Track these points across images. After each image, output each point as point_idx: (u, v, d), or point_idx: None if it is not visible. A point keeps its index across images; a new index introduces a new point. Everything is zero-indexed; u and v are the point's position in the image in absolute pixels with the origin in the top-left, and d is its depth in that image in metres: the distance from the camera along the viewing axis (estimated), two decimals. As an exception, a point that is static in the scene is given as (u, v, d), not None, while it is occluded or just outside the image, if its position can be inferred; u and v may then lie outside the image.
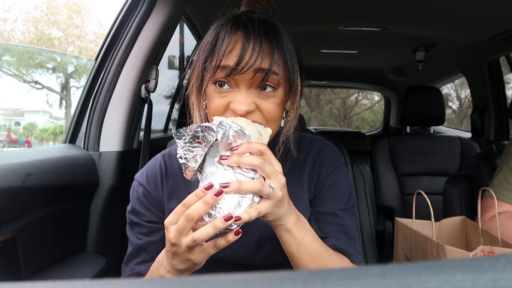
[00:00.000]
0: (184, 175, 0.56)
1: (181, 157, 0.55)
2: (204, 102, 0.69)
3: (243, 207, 0.52)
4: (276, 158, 0.63)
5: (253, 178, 0.53)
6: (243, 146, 0.54)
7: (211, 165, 0.55)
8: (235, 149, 0.53)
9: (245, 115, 0.62)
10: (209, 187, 0.52)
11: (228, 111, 0.64)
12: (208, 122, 0.68)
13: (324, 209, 0.74)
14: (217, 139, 0.53)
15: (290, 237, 0.60)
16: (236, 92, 0.63)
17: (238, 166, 0.54)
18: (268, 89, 0.64)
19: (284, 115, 0.71)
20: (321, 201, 0.75)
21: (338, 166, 0.78)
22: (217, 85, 0.64)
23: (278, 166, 0.57)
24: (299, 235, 0.60)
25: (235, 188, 0.51)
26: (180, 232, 0.52)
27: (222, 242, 0.53)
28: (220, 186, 0.51)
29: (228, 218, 0.51)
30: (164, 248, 0.61)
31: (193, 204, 0.52)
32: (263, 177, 0.55)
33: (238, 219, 0.51)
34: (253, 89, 0.64)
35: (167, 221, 0.54)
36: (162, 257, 0.63)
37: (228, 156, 0.53)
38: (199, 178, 0.57)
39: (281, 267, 0.71)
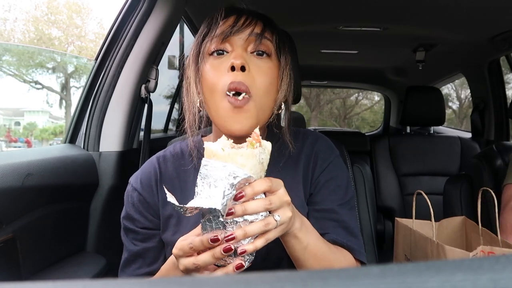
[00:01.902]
0: (183, 213, 0.54)
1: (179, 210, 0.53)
2: (200, 100, 0.70)
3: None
4: (264, 138, 0.67)
5: (261, 215, 0.53)
6: (247, 193, 0.52)
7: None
8: (240, 198, 0.52)
9: (241, 71, 0.64)
10: (215, 239, 0.51)
11: (226, 75, 0.65)
12: (201, 107, 0.69)
13: (322, 206, 0.73)
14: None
15: (295, 242, 0.60)
16: (232, 53, 0.67)
17: None
18: (263, 55, 0.69)
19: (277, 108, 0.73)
20: (318, 198, 0.74)
21: (333, 160, 0.77)
22: (214, 54, 0.68)
23: (281, 188, 0.55)
24: (305, 239, 0.60)
25: (240, 238, 0.51)
26: (190, 270, 0.54)
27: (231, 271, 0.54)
28: (225, 240, 0.51)
29: (239, 267, 0.53)
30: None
31: (198, 249, 0.53)
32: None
33: (242, 251, 0.52)
34: (249, 52, 0.68)
35: (174, 252, 0.55)
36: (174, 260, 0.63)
37: (232, 211, 0.51)
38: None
39: (279, 265, 0.72)
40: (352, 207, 0.76)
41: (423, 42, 2.03)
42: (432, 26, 1.77)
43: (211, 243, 0.51)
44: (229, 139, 0.55)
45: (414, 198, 1.19)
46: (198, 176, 0.52)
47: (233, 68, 0.64)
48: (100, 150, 1.19)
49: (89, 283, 0.19)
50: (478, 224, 1.07)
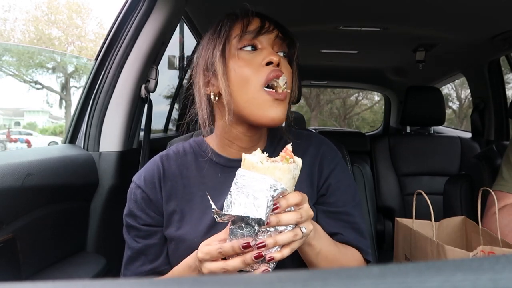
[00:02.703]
0: (218, 220, 0.56)
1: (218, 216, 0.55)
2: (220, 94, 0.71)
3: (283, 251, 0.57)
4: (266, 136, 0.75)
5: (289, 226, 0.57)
6: (282, 205, 0.55)
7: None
8: (275, 210, 0.55)
9: (277, 66, 0.69)
10: (247, 246, 0.54)
11: (261, 70, 0.68)
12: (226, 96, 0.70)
13: (336, 208, 0.76)
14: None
15: (309, 249, 0.64)
16: (263, 50, 0.71)
17: None
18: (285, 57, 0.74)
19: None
20: (331, 199, 0.77)
21: (339, 161, 0.81)
22: (246, 48, 0.71)
23: (307, 203, 0.59)
24: (317, 245, 0.64)
25: (271, 247, 0.54)
26: (215, 273, 0.56)
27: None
28: (257, 247, 0.54)
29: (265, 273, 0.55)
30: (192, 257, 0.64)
31: (228, 254, 0.55)
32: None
33: (270, 258, 0.55)
34: (276, 52, 0.72)
35: (200, 256, 0.58)
36: (192, 261, 0.64)
37: (268, 221, 0.54)
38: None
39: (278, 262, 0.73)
40: (361, 207, 0.81)
41: (423, 42, 2.03)
42: (432, 26, 1.77)
43: (242, 249, 0.54)
44: (264, 153, 0.58)
45: (414, 198, 1.18)
46: (234, 185, 0.54)
47: (268, 64, 0.69)
48: (100, 150, 1.19)
49: (89, 283, 0.19)
50: (478, 224, 1.07)
